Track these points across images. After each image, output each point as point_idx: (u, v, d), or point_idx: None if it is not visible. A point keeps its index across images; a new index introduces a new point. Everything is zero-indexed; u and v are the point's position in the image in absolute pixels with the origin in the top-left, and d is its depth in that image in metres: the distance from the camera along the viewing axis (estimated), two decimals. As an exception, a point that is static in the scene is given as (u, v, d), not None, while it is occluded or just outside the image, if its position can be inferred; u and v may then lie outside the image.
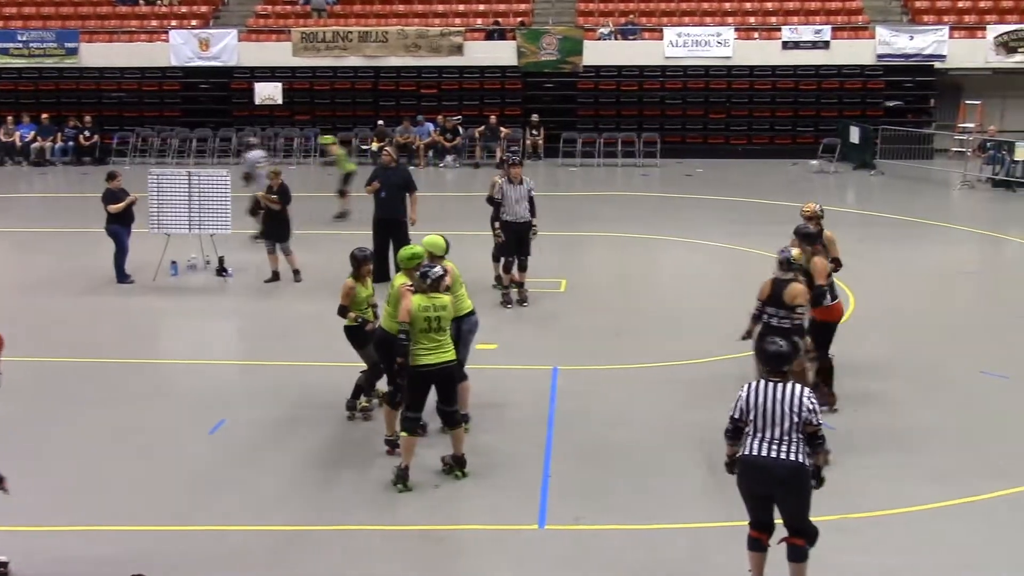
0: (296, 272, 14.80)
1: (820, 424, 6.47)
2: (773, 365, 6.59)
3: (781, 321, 8.88)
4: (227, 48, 28.09)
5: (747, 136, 27.82)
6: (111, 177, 15.05)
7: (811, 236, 9.71)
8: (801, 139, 27.34)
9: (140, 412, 10.06)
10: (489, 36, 28.27)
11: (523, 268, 13.55)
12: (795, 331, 8.80)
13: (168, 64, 28.28)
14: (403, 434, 8.32)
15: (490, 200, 13.73)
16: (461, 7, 29.86)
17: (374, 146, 25.92)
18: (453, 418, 8.47)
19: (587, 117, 27.83)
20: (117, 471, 8.74)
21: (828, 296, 9.65)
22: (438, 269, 8.44)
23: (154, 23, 29.69)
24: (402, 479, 8.30)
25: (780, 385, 6.50)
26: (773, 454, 6.38)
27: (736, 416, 6.59)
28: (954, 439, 9.41)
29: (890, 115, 26.81)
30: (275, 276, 14.77)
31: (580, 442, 9.23)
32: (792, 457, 6.37)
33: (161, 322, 13.63)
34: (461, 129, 26.95)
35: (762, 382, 6.57)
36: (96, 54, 28.55)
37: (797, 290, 8.93)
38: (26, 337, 12.53)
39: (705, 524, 7.71)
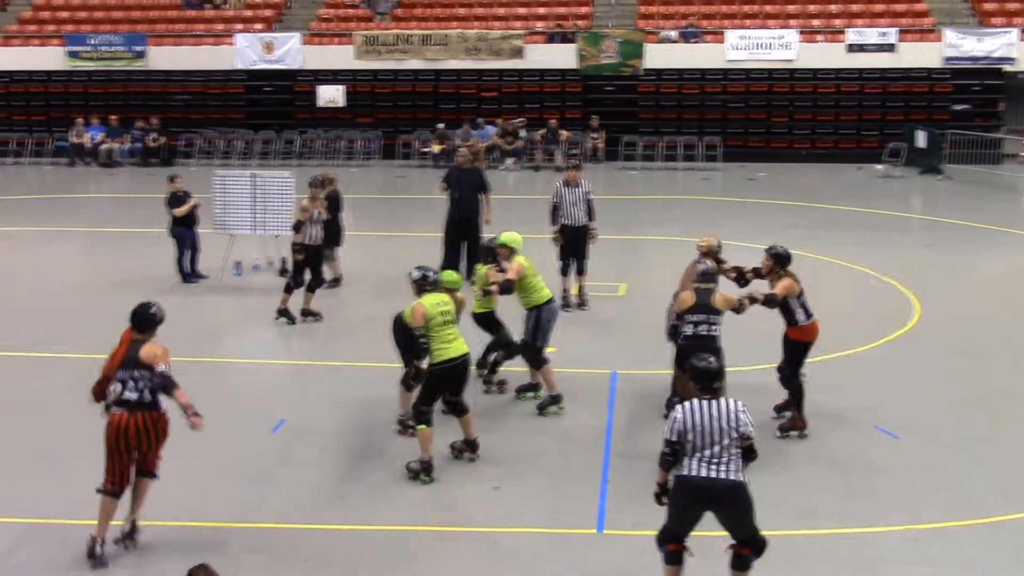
0: (336, 279, 14.74)
1: (754, 438, 6.41)
2: (704, 382, 6.48)
3: (711, 329, 8.98)
4: (291, 51, 28.43)
5: (810, 140, 27.50)
6: (172, 179, 15.29)
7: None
8: (866, 143, 26.96)
9: (201, 410, 10.17)
10: (550, 39, 28.28)
11: (581, 272, 13.53)
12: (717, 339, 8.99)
13: (233, 67, 28.69)
14: (421, 427, 8.53)
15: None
16: (521, 10, 29.92)
17: (435, 148, 26.14)
18: (461, 407, 8.83)
19: (648, 120, 27.70)
20: (178, 468, 8.86)
21: (803, 314, 9.36)
22: (435, 272, 9.00)
23: (220, 27, 30.13)
24: (427, 471, 8.51)
25: (714, 402, 6.41)
26: (713, 473, 6.31)
27: (674, 439, 6.39)
28: (1022, 450, 9.21)
29: (957, 119, 26.32)
30: (334, 281, 14.81)
31: (639, 446, 9.18)
32: (731, 476, 6.33)
33: (224, 322, 13.82)
34: (524, 132, 26.95)
35: (695, 401, 6.44)
36: (163, 57, 29.02)
37: (726, 295, 9.22)
38: (94, 337, 12.81)
39: (770, 532, 7.61)
